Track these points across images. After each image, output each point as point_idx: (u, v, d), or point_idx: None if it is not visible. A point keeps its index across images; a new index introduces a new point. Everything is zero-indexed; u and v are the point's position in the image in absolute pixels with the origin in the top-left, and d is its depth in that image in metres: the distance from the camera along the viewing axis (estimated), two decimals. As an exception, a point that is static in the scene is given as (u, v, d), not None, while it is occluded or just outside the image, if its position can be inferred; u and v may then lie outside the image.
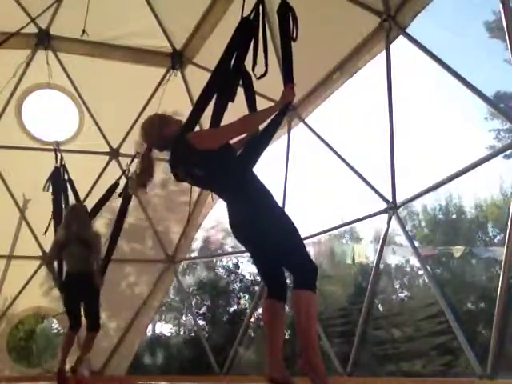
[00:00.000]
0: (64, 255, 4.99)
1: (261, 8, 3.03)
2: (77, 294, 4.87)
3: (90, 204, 6.80)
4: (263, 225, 2.52)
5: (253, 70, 3.00)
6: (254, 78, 3.05)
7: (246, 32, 2.99)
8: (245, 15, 3.05)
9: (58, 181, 5.77)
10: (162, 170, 8.47)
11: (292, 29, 2.99)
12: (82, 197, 6.19)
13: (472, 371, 4.58)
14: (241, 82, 2.99)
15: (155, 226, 7.83)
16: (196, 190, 8.03)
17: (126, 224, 6.38)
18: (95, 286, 4.92)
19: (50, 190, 5.81)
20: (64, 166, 5.92)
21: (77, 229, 4.84)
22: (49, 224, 5.76)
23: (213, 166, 2.57)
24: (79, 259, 4.81)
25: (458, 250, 11.59)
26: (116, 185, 5.86)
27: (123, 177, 6.13)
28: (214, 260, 15.68)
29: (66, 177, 5.86)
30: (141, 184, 2.76)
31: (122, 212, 5.79)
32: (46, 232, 5.79)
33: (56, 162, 5.95)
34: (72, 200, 5.83)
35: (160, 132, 2.74)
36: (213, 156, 2.55)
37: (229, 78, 2.90)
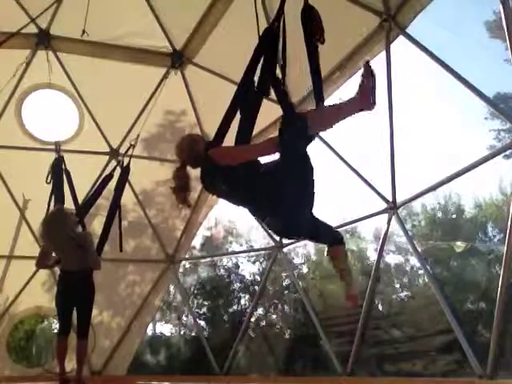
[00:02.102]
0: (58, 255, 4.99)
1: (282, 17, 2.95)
2: (71, 294, 4.85)
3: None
4: (304, 215, 2.76)
5: (283, 81, 2.93)
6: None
7: (269, 43, 2.93)
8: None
9: (59, 171, 5.74)
10: (161, 169, 8.53)
11: (319, 32, 2.86)
12: (81, 197, 6.18)
13: (472, 371, 4.59)
14: (273, 93, 2.96)
15: (155, 226, 7.84)
16: (196, 189, 8.04)
17: (125, 223, 6.39)
18: (90, 287, 4.91)
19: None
20: (63, 157, 5.89)
21: (57, 234, 4.79)
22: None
23: (234, 181, 2.70)
24: (71, 258, 4.80)
25: (458, 247, 11.58)
26: (110, 176, 5.83)
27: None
28: (214, 260, 15.67)
29: (63, 167, 5.80)
30: (182, 201, 2.90)
31: (116, 199, 5.73)
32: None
33: (55, 161, 5.91)
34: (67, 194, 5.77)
35: (191, 149, 2.90)
36: (235, 172, 2.66)
37: (253, 91, 2.91)
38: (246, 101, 2.91)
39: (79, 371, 4.96)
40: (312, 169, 2.77)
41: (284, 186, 2.65)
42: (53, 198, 5.60)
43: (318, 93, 2.79)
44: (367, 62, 2.73)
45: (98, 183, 5.91)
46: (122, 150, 7.12)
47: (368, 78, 2.66)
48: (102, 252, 5.41)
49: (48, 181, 5.67)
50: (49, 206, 5.53)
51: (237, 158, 2.69)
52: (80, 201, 5.84)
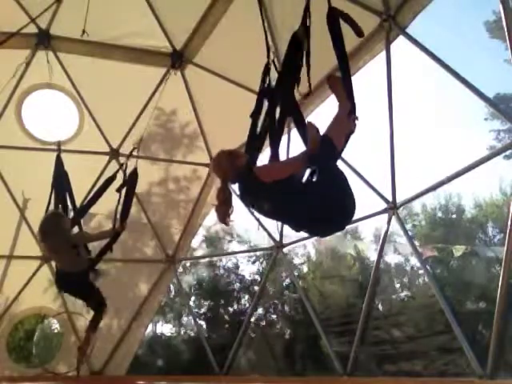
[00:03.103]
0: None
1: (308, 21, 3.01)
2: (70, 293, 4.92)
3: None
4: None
5: (310, 88, 3.06)
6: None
7: (297, 48, 2.98)
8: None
9: (61, 171, 5.67)
10: (161, 170, 8.53)
11: (356, 28, 3.04)
12: (81, 197, 6.15)
13: (472, 371, 4.59)
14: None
15: (155, 226, 7.84)
16: (196, 189, 8.05)
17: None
18: (88, 287, 4.92)
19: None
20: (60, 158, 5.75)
21: (51, 238, 4.73)
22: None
23: (279, 198, 2.73)
24: (66, 260, 4.79)
25: (458, 250, 11.58)
26: (112, 178, 5.65)
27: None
28: (214, 260, 15.67)
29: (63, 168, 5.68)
30: (223, 218, 2.88)
31: (128, 206, 5.63)
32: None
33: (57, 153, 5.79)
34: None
35: (231, 165, 2.88)
36: (277, 187, 2.69)
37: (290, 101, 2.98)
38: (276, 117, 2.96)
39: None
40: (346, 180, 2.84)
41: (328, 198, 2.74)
42: (52, 197, 5.54)
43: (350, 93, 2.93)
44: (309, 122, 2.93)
45: (99, 185, 5.77)
46: (123, 151, 7.15)
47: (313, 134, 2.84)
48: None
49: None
50: (48, 207, 5.44)
51: (281, 173, 2.73)
52: (80, 201, 5.81)
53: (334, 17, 2.97)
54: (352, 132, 2.91)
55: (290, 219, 2.92)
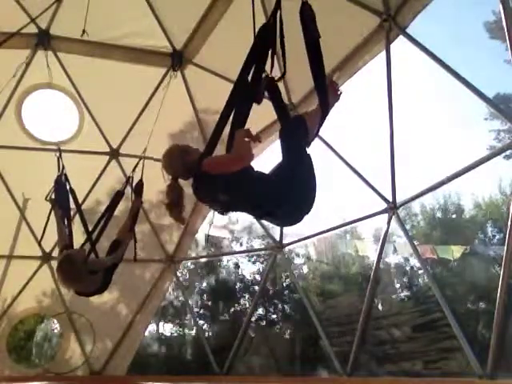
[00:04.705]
0: None
1: (278, 13, 2.85)
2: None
3: (89, 204, 6.82)
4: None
5: (270, 72, 2.87)
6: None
7: (265, 40, 2.81)
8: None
9: (62, 190, 5.41)
10: (161, 169, 8.47)
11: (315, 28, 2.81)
12: (81, 197, 6.13)
13: (472, 371, 4.59)
14: (266, 94, 2.95)
15: (155, 226, 7.83)
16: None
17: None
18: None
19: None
20: (65, 175, 5.40)
21: (72, 283, 4.32)
22: (44, 230, 5.26)
23: (235, 189, 2.62)
24: (85, 286, 4.60)
25: (457, 250, 11.58)
26: (121, 194, 5.29)
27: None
28: (215, 260, 15.67)
29: (68, 187, 5.29)
30: (176, 218, 2.80)
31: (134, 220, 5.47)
32: (41, 239, 5.51)
33: (58, 170, 5.41)
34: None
35: (182, 161, 2.78)
36: (232, 180, 2.57)
37: (247, 92, 2.82)
38: (240, 105, 2.80)
39: None
40: (312, 166, 2.78)
41: (290, 184, 2.67)
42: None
43: (321, 90, 2.87)
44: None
45: (108, 203, 5.25)
46: (123, 151, 7.16)
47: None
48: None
49: (47, 199, 5.19)
50: (45, 227, 5.13)
51: (229, 166, 2.58)
52: (80, 200, 5.71)
53: (308, 12, 2.82)
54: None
55: (249, 206, 2.80)
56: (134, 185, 5.35)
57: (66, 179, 5.33)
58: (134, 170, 5.53)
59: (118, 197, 5.23)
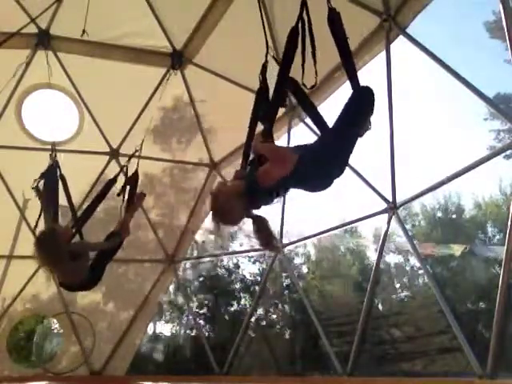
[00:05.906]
0: None
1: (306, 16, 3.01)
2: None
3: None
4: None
5: (302, 79, 3.00)
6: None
7: (294, 43, 2.93)
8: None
9: (54, 178, 5.37)
10: (161, 169, 8.52)
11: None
12: (81, 197, 6.14)
13: (472, 371, 4.59)
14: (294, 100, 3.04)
15: (155, 226, 7.84)
16: (197, 189, 8.05)
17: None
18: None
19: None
20: (57, 162, 5.36)
21: (50, 256, 4.02)
22: (37, 222, 5.07)
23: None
24: (67, 272, 4.43)
25: (457, 249, 11.58)
26: (113, 181, 5.31)
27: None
28: (215, 260, 15.67)
29: (58, 173, 5.23)
30: (268, 243, 2.70)
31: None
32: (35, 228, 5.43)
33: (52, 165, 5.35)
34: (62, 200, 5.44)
35: (237, 205, 2.59)
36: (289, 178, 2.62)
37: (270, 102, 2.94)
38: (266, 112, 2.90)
39: None
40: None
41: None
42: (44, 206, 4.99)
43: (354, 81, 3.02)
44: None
45: (100, 189, 5.32)
46: (123, 151, 7.16)
47: None
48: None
49: (34, 186, 5.09)
50: (39, 218, 4.94)
51: (282, 168, 2.58)
52: (80, 200, 5.75)
53: (335, 18, 3.03)
54: None
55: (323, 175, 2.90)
56: (128, 176, 5.35)
57: (57, 166, 5.29)
58: (129, 160, 5.53)
59: (109, 184, 5.22)
